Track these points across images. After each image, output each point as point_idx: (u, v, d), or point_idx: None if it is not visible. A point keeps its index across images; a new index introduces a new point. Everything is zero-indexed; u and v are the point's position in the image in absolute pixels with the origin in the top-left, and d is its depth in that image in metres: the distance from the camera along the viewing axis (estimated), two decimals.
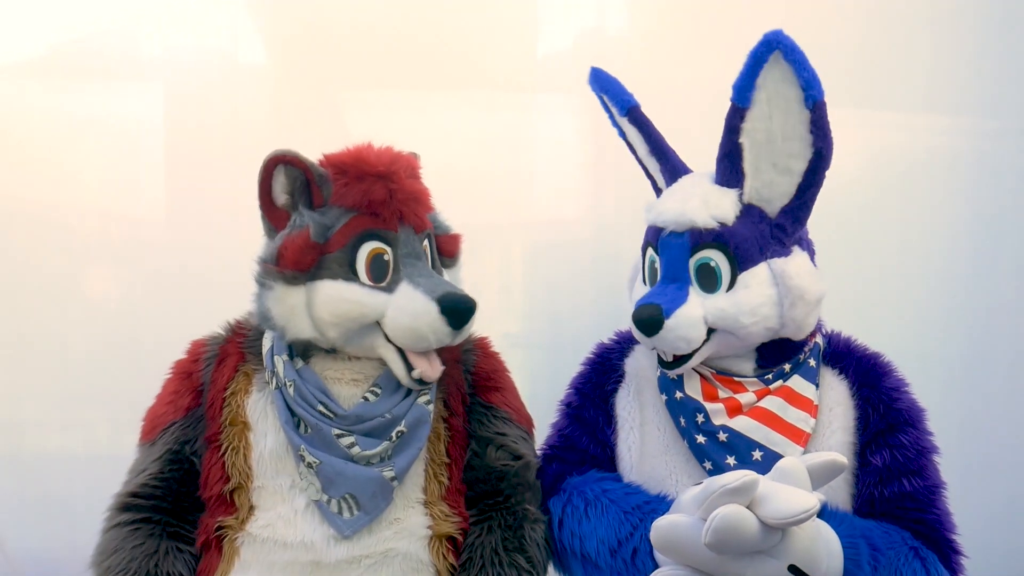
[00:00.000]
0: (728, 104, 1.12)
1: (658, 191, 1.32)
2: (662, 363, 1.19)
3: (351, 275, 1.14)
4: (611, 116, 1.35)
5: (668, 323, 1.11)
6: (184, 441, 1.19)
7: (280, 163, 1.15)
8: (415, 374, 1.16)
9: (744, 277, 1.13)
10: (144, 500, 1.16)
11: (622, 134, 1.35)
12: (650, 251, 1.21)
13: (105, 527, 1.16)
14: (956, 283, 1.88)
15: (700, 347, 1.14)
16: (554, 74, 1.84)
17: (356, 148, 1.19)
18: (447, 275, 1.26)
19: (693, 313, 1.12)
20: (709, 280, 1.14)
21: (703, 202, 1.14)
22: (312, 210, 1.16)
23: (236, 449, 1.17)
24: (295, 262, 1.13)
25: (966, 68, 1.88)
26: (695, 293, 1.14)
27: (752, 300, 1.12)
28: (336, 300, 1.13)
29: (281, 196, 1.17)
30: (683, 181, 1.22)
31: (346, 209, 1.15)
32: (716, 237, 1.13)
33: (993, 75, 1.89)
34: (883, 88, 1.85)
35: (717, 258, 1.14)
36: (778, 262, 1.14)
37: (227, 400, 1.20)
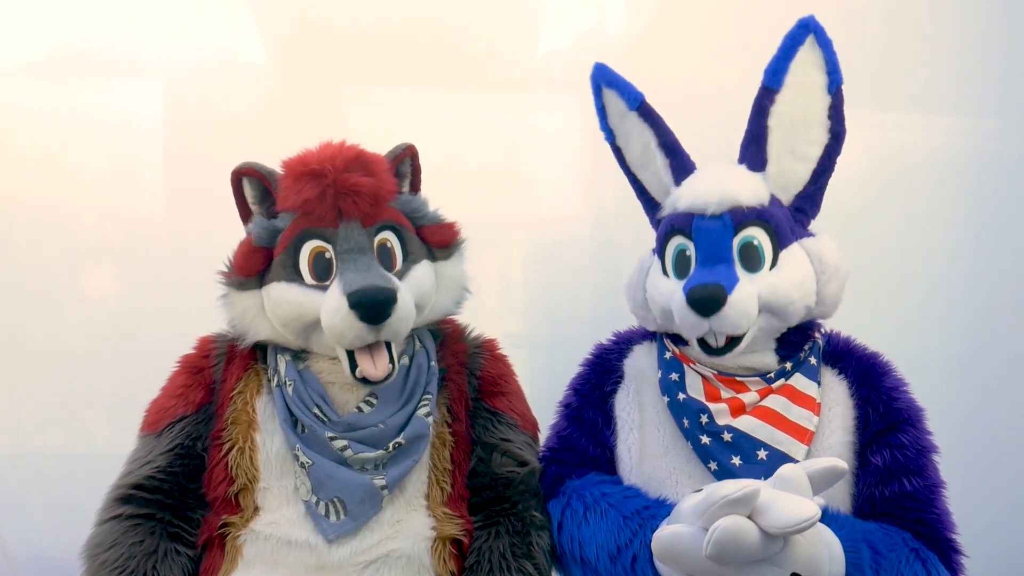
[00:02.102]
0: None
1: (646, 198, 1.30)
2: (708, 350, 1.15)
3: (294, 276, 1.15)
4: (602, 116, 1.31)
5: (731, 299, 1.09)
6: (195, 437, 1.18)
7: (241, 176, 1.20)
8: (358, 372, 1.14)
9: (784, 255, 1.14)
10: (148, 494, 1.15)
11: (609, 137, 1.32)
12: (677, 239, 1.19)
13: (102, 517, 1.14)
14: (956, 283, 1.88)
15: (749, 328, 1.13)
16: (554, 74, 1.84)
17: (308, 150, 1.18)
18: (444, 267, 1.24)
19: (750, 290, 1.12)
20: (753, 259, 1.14)
21: (743, 182, 1.15)
22: (275, 216, 1.18)
23: (242, 450, 1.17)
24: (240, 268, 1.17)
25: (966, 68, 1.88)
26: (741, 272, 1.14)
27: (797, 275, 1.14)
28: (279, 302, 1.15)
29: (253, 206, 1.21)
30: (710, 167, 1.21)
31: (290, 212, 1.16)
32: (759, 215, 1.14)
33: (993, 75, 1.89)
34: (883, 88, 1.84)
35: (760, 236, 1.14)
36: (808, 242, 1.16)
37: (233, 399, 1.19)
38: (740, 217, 1.14)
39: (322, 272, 1.15)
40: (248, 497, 1.16)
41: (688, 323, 1.13)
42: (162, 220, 1.78)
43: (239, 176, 1.20)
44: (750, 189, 1.15)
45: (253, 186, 1.21)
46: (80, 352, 1.73)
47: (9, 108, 1.70)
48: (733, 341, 1.14)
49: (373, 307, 1.09)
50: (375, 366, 1.13)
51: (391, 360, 1.15)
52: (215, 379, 1.21)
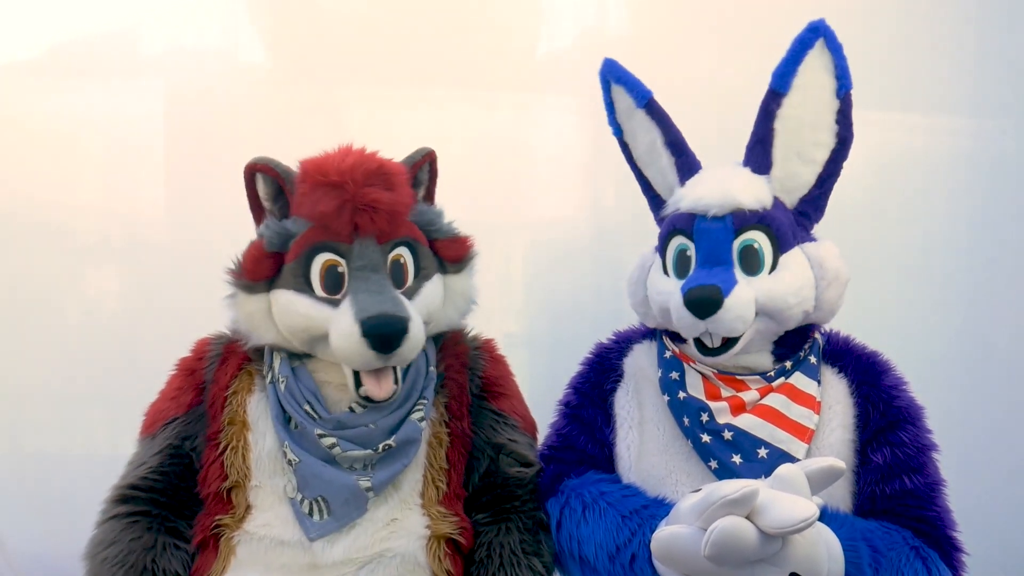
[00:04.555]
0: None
1: (651, 195, 1.30)
2: (704, 351, 1.16)
3: (304, 286, 1.13)
4: (611, 112, 1.31)
5: (727, 302, 1.10)
6: (185, 437, 1.19)
7: (256, 171, 1.17)
8: (362, 391, 1.13)
9: (784, 259, 1.14)
10: (143, 493, 1.16)
11: (617, 132, 1.32)
12: (679, 239, 1.19)
13: (101, 518, 1.16)
14: (956, 283, 1.88)
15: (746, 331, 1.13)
16: (554, 74, 1.84)
17: (325, 155, 1.16)
18: (453, 280, 1.23)
19: (747, 293, 1.12)
20: (752, 262, 1.14)
21: (745, 184, 1.15)
22: (287, 217, 1.16)
23: (235, 448, 1.17)
24: (250, 271, 1.15)
25: (966, 68, 1.88)
26: (740, 275, 1.14)
27: (795, 280, 1.13)
28: (287, 311, 1.13)
29: (266, 203, 1.19)
30: (714, 169, 1.21)
31: (305, 219, 1.14)
32: (760, 219, 1.14)
33: (993, 75, 1.89)
34: (883, 88, 1.84)
35: (760, 240, 1.14)
36: (810, 246, 1.16)
37: (228, 399, 1.20)
38: (741, 220, 1.14)
39: (333, 286, 1.13)
40: (241, 495, 1.17)
41: (685, 323, 1.14)
42: (162, 220, 1.77)
43: (252, 171, 1.17)
44: (752, 192, 1.15)
45: (267, 183, 1.17)
46: (80, 352, 1.73)
47: (9, 108, 1.70)
48: (729, 342, 1.14)
49: (386, 338, 1.08)
50: (380, 387, 1.13)
51: (396, 380, 1.15)
52: (206, 380, 1.22)
